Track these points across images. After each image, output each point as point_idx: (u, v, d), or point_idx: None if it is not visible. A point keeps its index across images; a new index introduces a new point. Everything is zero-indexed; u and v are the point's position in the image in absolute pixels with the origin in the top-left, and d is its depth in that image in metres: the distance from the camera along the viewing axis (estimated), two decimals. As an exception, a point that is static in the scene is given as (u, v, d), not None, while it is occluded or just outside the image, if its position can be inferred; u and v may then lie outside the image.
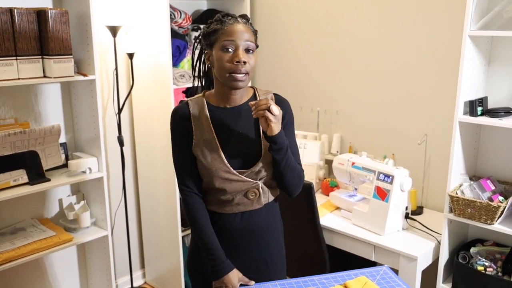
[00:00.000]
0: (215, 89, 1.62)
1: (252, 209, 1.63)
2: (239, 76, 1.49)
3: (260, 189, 1.62)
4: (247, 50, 1.51)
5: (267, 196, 1.65)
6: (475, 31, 2.04)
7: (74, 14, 2.37)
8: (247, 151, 1.60)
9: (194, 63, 1.72)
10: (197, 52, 1.71)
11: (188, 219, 1.64)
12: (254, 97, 1.65)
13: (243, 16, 1.56)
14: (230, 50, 1.49)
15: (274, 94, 1.68)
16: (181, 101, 1.65)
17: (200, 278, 1.71)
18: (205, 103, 1.61)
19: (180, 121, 1.60)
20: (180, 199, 2.83)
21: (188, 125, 1.60)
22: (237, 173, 1.58)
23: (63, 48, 2.24)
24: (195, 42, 1.71)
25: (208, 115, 1.59)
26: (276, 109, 1.47)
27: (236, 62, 1.48)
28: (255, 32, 1.57)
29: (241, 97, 1.61)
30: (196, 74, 1.72)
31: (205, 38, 1.56)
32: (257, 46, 1.57)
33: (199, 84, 1.73)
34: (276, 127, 1.50)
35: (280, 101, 1.66)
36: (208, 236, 1.59)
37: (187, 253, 1.78)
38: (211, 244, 1.58)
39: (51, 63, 2.21)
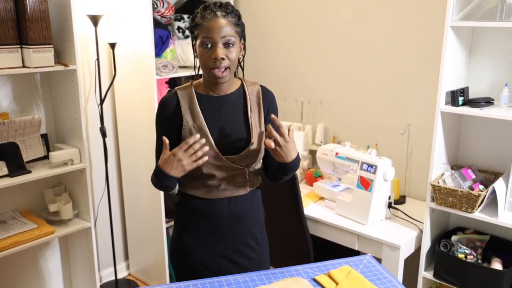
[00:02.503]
0: (203, 79, 1.66)
1: (238, 195, 1.66)
2: (219, 72, 1.53)
3: (247, 176, 1.65)
4: (227, 44, 1.52)
5: (252, 183, 1.69)
6: (456, 21, 2.06)
7: (53, 2, 2.32)
8: (236, 138, 1.62)
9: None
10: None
11: (155, 184, 1.64)
12: (242, 87, 1.68)
13: (223, 8, 1.54)
14: (208, 46, 1.52)
15: (261, 85, 1.72)
16: (170, 90, 1.68)
17: (183, 268, 1.72)
18: (194, 91, 1.64)
19: (168, 110, 1.62)
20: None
21: (177, 114, 1.62)
22: (225, 159, 1.60)
23: (43, 38, 2.20)
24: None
25: (197, 103, 1.62)
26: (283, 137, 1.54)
27: (214, 59, 1.51)
28: (236, 22, 1.56)
29: (228, 86, 1.64)
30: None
31: (191, 31, 1.60)
32: (242, 34, 1.59)
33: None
34: (290, 153, 1.57)
35: (266, 93, 1.71)
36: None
37: (170, 243, 1.78)
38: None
39: (30, 52, 2.17)
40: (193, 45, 1.61)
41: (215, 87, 1.62)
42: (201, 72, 1.70)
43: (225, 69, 1.54)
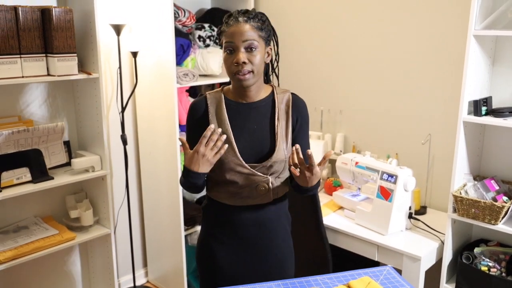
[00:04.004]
0: (232, 85, 1.67)
1: (261, 203, 1.66)
2: (241, 76, 1.53)
3: (270, 184, 1.64)
4: (249, 49, 1.53)
5: (276, 191, 1.68)
6: (479, 30, 2.03)
7: (78, 12, 2.37)
8: (261, 146, 1.63)
9: None
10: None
11: (185, 185, 1.65)
12: (272, 95, 1.68)
13: (246, 14, 1.56)
14: (231, 51, 1.54)
15: (292, 93, 1.71)
16: (200, 95, 1.70)
17: (207, 269, 1.74)
18: (223, 97, 1.65)
19: (197, 114, 1.65)
20: (182, 193, 2.84)
21: (205, 119, 1.64)
22: (249, 167, 1.60)
23: (67, 47, 2.24)
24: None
25: (225, 108, 1.63)
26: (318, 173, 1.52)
27: (236, 63, 1.52)
28: (260, 26, 1.55)
29: (257, 93, 1.64)
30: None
31: (218, 40, 1.62)
32: (267, 38, 1.58)
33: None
34: (312, 182, 1.56)
35: (296, 101, 1.70)
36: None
37: (197, 243, 1.80)
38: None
39: (55, 61, 2.21)
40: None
41: (244, 93, 1.63)
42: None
43: (248, 72, 1.53)
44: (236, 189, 1.63)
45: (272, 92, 1.69)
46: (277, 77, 1.77)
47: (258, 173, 1.62)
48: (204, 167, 1.54)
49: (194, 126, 1.66)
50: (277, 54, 1.73)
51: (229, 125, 1.61)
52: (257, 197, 1.65)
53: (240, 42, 1.52)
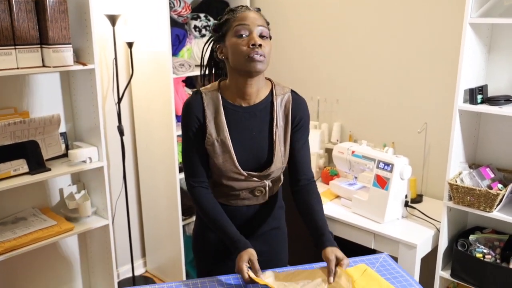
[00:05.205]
0: (230, 83, 1.55)
1: (257, 203, 1.67)
2: (257, 57, 1.42)
3: (267, 187, 1.64)
4: (261, 36, 1.46)
5: (272, 191, 1.68)
6: (475, 18, 2.03)
7: (72, 3, 2.35)
8: (259, 154, 1.58)
9: (203, 54, 1.67)
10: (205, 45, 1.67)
11: (199, 211, 1.61)
12: (270, 94, 1.59)
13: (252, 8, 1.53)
14: (244, 35, 1.44)
15: (292, 91, 1.63)
16: (196, 91, 1.57)
17: (205, 258, 1.75)
18: (221, 99, 1.55)
19: (193, 115, 1.54)
20: (180, 183, 2.84)
21: (201, 121, 1.55)
22: (246, 174, 1.57)
23: (62, 37, 2.23)
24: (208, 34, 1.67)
25: (223, 114, 1.54)
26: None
27: (252, 45, 1.42)
28: (267, 22, 1.52)
29: (257, 91, 1.55)
30: (204, 63, 1.69)
31: (217, 31, 1.53)
32: (270, 38, 1.53)
33: (207, 72, 1.69)
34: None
35: (296, 101, 1.61)
36: (220, 223, 1.56)
37: (192, 233, 1.80)
38: (224, 227, 1.55)
39: (50, 52, 2.20)
40: (218, 47, 1.52)
41: (244, 91, 1.52)
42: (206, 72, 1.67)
43: (262, 56, 1.43)
44: (232, 192, 1.62)
45: (271, 91, 1.59)
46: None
47: (255, 179, 1.60)
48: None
49: (191, 128, 1.55)
50: None
51: (227, 132, 1.53)
52: (253, 199, 1.65)
53: (255, 26, 1.44)
